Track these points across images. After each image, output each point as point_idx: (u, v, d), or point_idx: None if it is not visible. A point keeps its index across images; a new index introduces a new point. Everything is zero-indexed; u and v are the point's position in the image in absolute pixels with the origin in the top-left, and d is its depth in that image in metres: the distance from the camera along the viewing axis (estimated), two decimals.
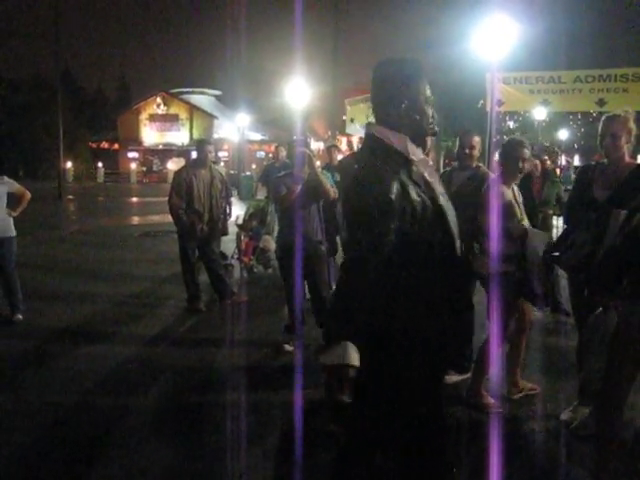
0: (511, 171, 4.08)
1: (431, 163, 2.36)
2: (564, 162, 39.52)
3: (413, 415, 2.27)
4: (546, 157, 9.42)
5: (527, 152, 4.05)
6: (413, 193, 2.12)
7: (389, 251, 2.08)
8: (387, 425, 2.30)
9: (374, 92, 2.29)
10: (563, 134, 36.31)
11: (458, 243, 2.26)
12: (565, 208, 4.02)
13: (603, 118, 3.71)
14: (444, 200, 2.24)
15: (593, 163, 4.00)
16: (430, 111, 2.26)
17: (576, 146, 43.49)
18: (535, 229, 3.99)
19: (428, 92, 2.27)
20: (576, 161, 46.09)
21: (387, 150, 2.19)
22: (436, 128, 2.31)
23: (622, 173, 3.55)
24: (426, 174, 2.23)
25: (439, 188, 2.26)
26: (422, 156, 2.27)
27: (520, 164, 4.02)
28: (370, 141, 2.26)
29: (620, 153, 3.60)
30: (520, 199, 4.10)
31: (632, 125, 3.61)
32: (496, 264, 4.03)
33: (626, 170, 3.56)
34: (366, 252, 2.07)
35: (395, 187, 2.08)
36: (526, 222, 4.05)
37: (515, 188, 4.12)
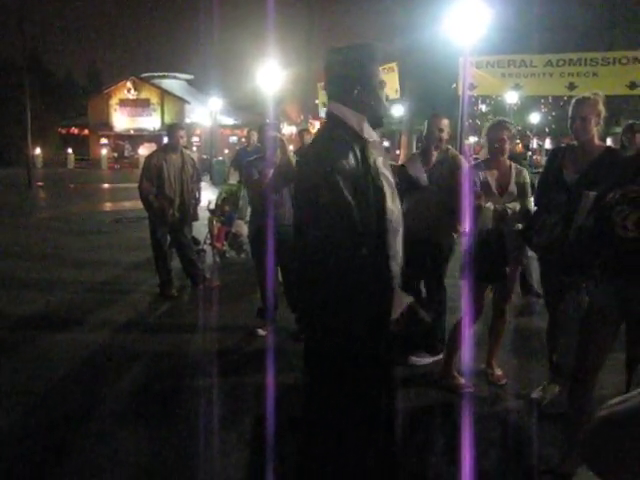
0: (490, 152, 4.13)
1: (385, 145, 2.44)
2: (535, 145, 39.97)
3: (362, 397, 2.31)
4: (517, 140, 9.51)
5: (505, 133, 4.07)
6: (360, 170, 2.16)
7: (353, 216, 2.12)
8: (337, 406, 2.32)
9: (328, 79, 2.35)
10: (534, 117, 36.61)
11: (399, 232, 2.34)
12: (536, 190, 4.05)
13: (573, 101, 3.73)
14: (388, 187, 2.27)
15: (563, 145, 4.03)
16: (383, 95, 2.33)
17: (547, 130, 43.94)
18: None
19: (381, 76, 2.34)
20: (547, 144, 46.60)
21: (344, 127, 2.24)
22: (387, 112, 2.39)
23: (592, 155, 3.60)
24: (379, 158, 2.28)
25: (387, 174, 2.31)
26: (376, 138, 2.32)
27: (496, 145, 4.05)
28: (330, 118, 2.32)
29: (590, 135, 3.63)
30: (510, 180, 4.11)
31: (601, 107, 3.64)
32: (468, 244, 4.08)
33: (595, 152, 3.60)
34: (332, 221, 2.10)
35: (351, 157, 2.14)
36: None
37: (514, 170, 4.15)
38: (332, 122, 2.31)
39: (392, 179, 2.33)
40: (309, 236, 2.18)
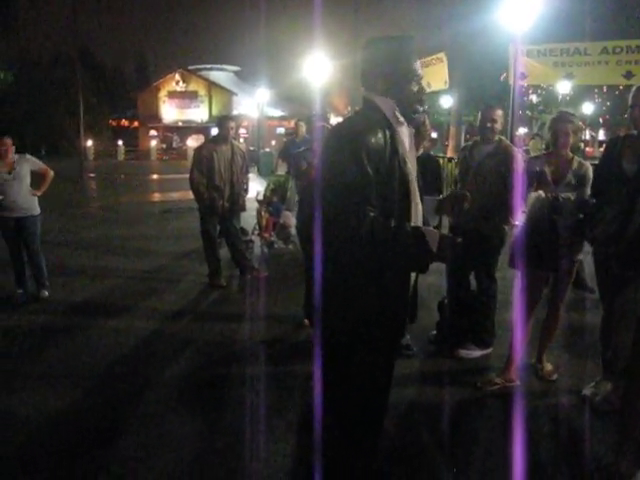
0: (554, 145, 4.05)
1: (433, 136, 2.46)
2: (588, 136, 38.82)
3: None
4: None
5: (570, 127, 3.96)
6: (388, 150, 2.20)
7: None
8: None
9: (362, 70, 2.38)
10: (588, 108, 35.49)
11: (418, 217, 2.36)
12: (592, 181, 3.93)
13: (633, 89, 3.60)
14: (411, 175, 2.30)
15: (622, 135, 3.88)
16: (415, 87, 2.35)
17: (601, 120, 42.62)
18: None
19: (417, 69, 2.34)
20: (601, 135, 45.22)
21: (377, 110, 2.30)
22: (420, 108, 2.41)
23: None
24: (406, 143, 2.33)
25: (411, 161, 2.35)
26: (405, 126, 2.36)
27: (561, 139, 3.96)
28: (365, 103, 2.37)
29: None
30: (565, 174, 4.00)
31: None
32: (519, 231, 4.01)
33: None
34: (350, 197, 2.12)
35: (379, 135, 2.18)
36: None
37: (575, 163, 4.03)
38: (365, 106, 2.36)
39: (414, 166, 2.37)
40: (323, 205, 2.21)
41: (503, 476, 3.02)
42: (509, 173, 4.25)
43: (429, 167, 4.60)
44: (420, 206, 2.39)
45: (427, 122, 4.37)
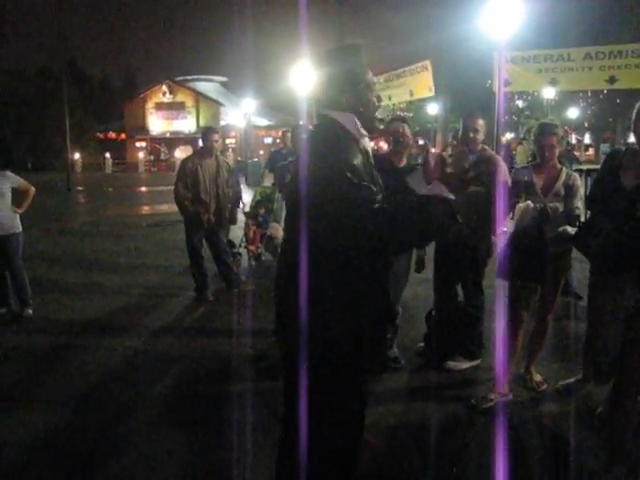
0: (540, 158, 4.07)
1: (420, 143, 2.42)
2: (574, 140, 39.11)
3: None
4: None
5: (554, 139, 3.98)
6: (366, 166, 2.19)
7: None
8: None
9: (317, 85, 2.32)
10: (573, 112, 35.80)
11: None
12: (589, 193, 3.92)
13: (638, 105, 3.49)
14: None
15: (623, 148, 3.84)
16: (373, 98, 2.29)
17: (586, 124, 42.97)
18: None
19: (369, 78, 2.28)
20: (586, 139, 45.60)
21: (340, 128, 2.22)
22: (379, 115, 2.39)
23: None
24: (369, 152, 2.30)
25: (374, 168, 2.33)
26: (366, 134, 2.30)
27: (546, 153, 3.99)
28: (324, 121, 2.28)
29: None
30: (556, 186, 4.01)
31: None
32: (505, 241, 3.99)
33: None
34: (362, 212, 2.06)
35: (357, 154, 2.15)
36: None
37: (569, 178, 4.03)
38: (325, 123, 2.27)
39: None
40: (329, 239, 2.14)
41: None
42: (493, 183, 4.22)
43: None
44: None
45: (407, 130, 4.34)
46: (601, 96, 33.24)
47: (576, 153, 34.24)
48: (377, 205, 2.09)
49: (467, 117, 4.45)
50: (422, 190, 2.43)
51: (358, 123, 2.24)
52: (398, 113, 32.67)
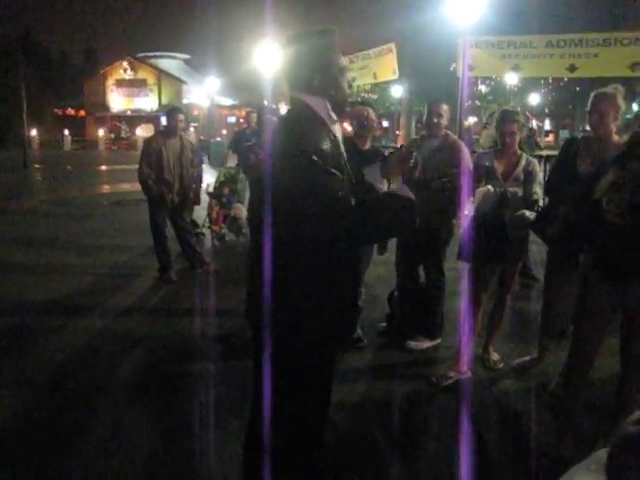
0: (501, 144, 4.17)
1: (384, 125, 2.45)
2: (535, 126, 39.75)
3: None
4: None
5: (515, 126, 4.07)
6: (335, 151, 2.19)
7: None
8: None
9: (287, 67, 2.31)
10: (534, 99, 36.40)
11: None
12: (547, 180, 4.05)
13: (591, 95, 3.67)
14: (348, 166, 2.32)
15: (579, 136, 3.98)
16: (345, 82, 2.30)
17: (547, 110, 43.72)
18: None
19: (341, 63, 2.30)
20: (546, 125, 46.40)
21: (312, 112, 2.24)
22: (349, 99, 2.40)
23: (608, 150, 3.54)
24: (339, 140, 2.30)
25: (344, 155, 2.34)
26: (337, 120, 2.31)
27: (507, 139, 4.07)
28: (295, 104, 2.30)
29: (607, 130, 3.60)
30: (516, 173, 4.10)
31: (620, 102, 3.60)
32: (467, 226, 4.09)
33: (613, 147, 3.52)
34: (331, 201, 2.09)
35: (325, 138, 2.15)
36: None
37: (527, 163, 4.13)
38: (297, 107, 2.29)
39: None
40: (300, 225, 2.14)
41: (453, 468, 3.09)
42: (456, 167, 4.32)
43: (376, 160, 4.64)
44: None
45: (371, 114, 4.39)
46: (562, 83, 33.85)
47: (536, 139, 34.91)
48: (341, 193, 2.12)
49: (431, 102, 4.52)
50: (377, 184, 2.51)
51: (329, 107, 2.25)
52: (362, 95, 32.66)
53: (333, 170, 2.11)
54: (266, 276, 2.18)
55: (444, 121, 4.44)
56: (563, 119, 44.79)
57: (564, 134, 37.09)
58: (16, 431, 3.46)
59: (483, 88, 37.38)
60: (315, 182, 2.08)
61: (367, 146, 4.42)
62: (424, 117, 4.54)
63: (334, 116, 2.28)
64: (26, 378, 4.17)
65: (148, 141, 6.78)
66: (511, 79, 21.97)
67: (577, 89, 33.84)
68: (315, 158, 2.07)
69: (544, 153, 11.80)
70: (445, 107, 4.47)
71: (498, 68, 16.29)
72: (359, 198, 2.28)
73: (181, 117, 6.68)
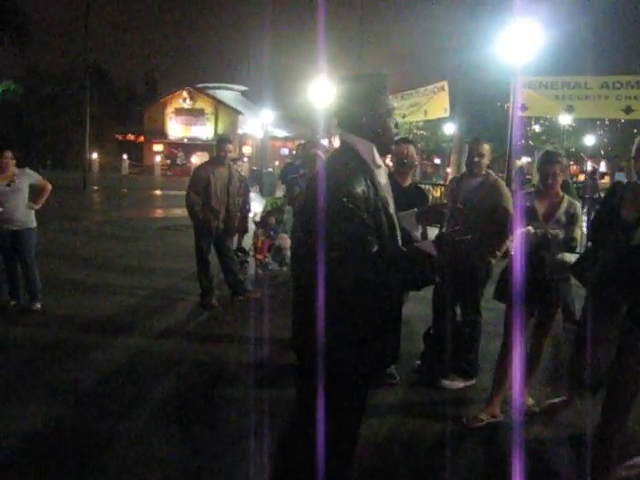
0: (543, 185, 4.12)
1: (436, 162, 2.50)
2: (589, 168, 38.99)
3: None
4: (571, 162, 9.37)
5: (557, 167, 4.02)
6: (372, 195, 2.24)
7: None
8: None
9: (337, 107, 2.42)
10: (589, 140, 35.78)
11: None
12: (590, 225, 3.98)
13: (637, 139, 3.53)
14: (392, 209, 2.38)
15: (625, 182, 3.90)
16: (392, 123, 2.39)
17: (602, 152, 42.85)
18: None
19: (390, 104, 2.39)
20: (602, 167, 45.38)
21: (355, 155, 2.32)
22: (396, 138, 2.53)
23: None
24: (383, 184, 2.36)
25: (391, 201, 2.40)
26: (382, 165, 2.40)
27: (549, 180, 4.03)
28: (342, 145, 2.40)
29: None
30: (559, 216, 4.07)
31: None
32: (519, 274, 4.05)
33: None
34: (350, 246, 2.14)
35: (362, 184, 2.21)
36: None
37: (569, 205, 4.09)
38: (343, 148, 2.39)
39: (392, 204, 2.41)
40: (327, 260, 2.18)
41: None
42: (495, 207, 4.32)
43: (418, 198, 4.67)
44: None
45: (411, 151, 4.44)
46: (618, 125, 33.22)
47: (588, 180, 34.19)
48: (362, 239, 2.17)
49: (472, 141, 4.55)
50: (413, 232, 2.56)
51: (376, 153, 2.35)
52: (414, 131, 32.78)
53: (360, 212, 2.16)
54: (316, 307, 2.22)
55: (485, 160, 4.46)
56: (619, 161, 43.79)
57: (619, 177, 36.23)
58: (48, 440, 3.58)
59: (537, 128, 37.00)
60: (339, 223, 2.14)
61: (407, 182, 4.46)
62: (465, 156, 4.56)
63: (379, 161, 2.36)
64: (62, 390, 4.31)
65: (197, 169, 6.99)
66: (564, 120, 21.71)
67: (635, 131, 33.14)
68: (344, 200, 2.14)
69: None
70: (487, 147, 4.48)
71: (551, 109, 16.14)
72: (393, 244, 2.32)
73: (230, 147, 6.89)
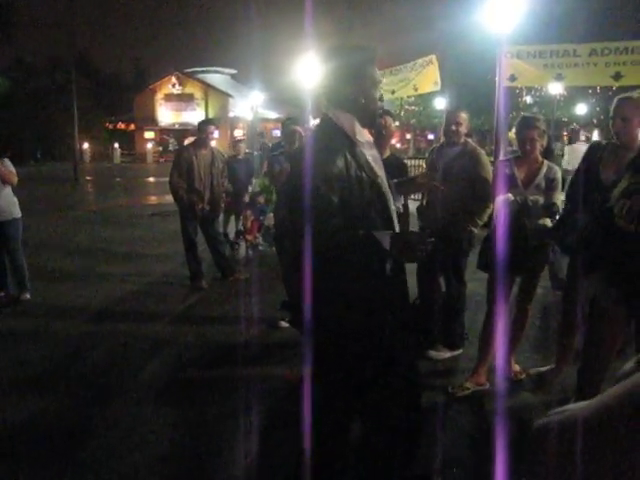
0: (521, 151, 4.06)
1: (430, 137, 2.49)
2: (583, 138, 38.87)
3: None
4: (565, 132, 9.29)
5: (535, 132, 3.94)
6: (352, 171, 2.23)
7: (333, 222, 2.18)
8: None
9: (324, 77, 2.39)
10: (581, 109, 35.56)
11: (395, 224, 2.40)
12: (568, 187, 3.95)
13: (615, 100, 3.50)
14: (382, 181, 2.35)
15: (604, 142, 3.83)
16: (377, 94, 2.37)
17: (595, 121, 42.68)
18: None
19: (376, 76, 2.37)
20: (595, 136, 45.19)
21: (336, 131, 2.30)
22: (381, 110, 2.46)
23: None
24: (369, 156, 2.34)
25: (379, 171, 2.38)
26: (368, 138, 2.39)
27: (527, 146, 3.97)
28: (323, 121, 2.39)
29: (632, 136, 3.43)
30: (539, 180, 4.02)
31: None
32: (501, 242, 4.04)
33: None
34: (310, 221, 2.14)
35: (338, 164, 2.18)
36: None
37: (548, 170, 4.04)
38: (323, 124, 2.38)
39: (383, 174, 2.38)
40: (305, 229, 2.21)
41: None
42: (475, 175, 4.30)
43: (396, 169, 4.64)
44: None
45: (389, 122, 4.41)
46: (610, 92, 32.97)
47: None
48: (332, 220, 2.18)
49: (449, 111, 4.52)
50: (395, 204, 2.56)
51: (358, 126, 2.33)
52: (406, 107, 32.61)
53: (331, 195, 2.17)
54: (305, 284, 2.25)
55: (463, 129, 4.42)
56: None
57: None
58: (40, 426, 3.60)
59: (528, 99, 36.81)
60: (312, 204, 2.15)
61: (386, 154, 4.43)
62: (443, 126, 4.53)
63: (360, 137, 2.33)
64: (53, 376, 4.33)
65: (179, 152, 6.97)
66: (555, 89, 21.58)
67: None
68: (319, 183, 2.14)
69: None
70: (464, 115, 4.45)
71: (540, 77, 15.98)
72: (383, 216, 2.33)
73: (212, 129, 6.84)
